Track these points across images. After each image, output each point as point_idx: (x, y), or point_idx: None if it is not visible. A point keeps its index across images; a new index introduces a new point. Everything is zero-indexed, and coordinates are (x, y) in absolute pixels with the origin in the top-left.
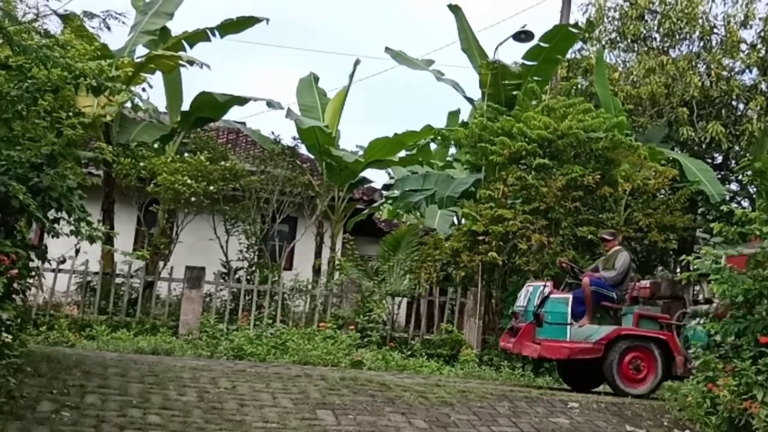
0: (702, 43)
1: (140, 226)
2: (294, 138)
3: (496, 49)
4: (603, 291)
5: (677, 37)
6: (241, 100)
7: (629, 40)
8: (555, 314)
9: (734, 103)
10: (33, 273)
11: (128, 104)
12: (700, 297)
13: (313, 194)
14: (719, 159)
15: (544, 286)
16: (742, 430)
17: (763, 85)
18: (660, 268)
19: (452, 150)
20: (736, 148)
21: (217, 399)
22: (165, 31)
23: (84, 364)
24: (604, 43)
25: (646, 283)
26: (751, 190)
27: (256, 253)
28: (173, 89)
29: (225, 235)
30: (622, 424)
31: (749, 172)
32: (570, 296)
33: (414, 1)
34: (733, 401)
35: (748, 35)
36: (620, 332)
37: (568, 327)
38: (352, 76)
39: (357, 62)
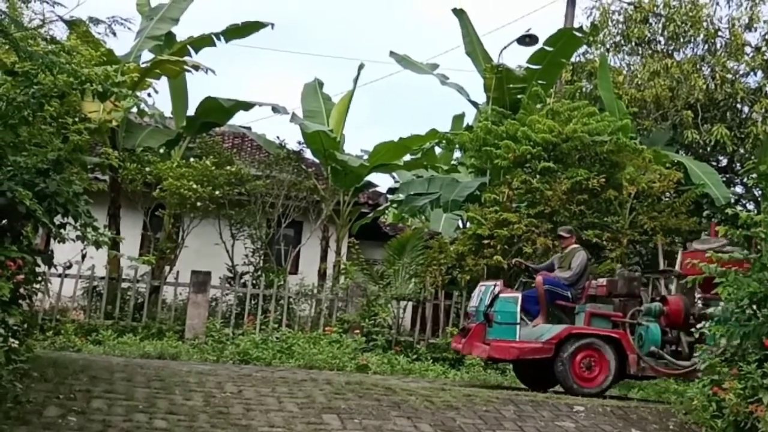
0: (706, 46)
1: (146, 231)
2: (299, 142)
3: (501, 52)
4: (557, 290)
5: (682, 40)
6: (247, 105)
7: (633, 44)
8: (504, 314)
9: (739, 105)
10: (39, 278)
11: (134, 109)
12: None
13: (318, 198)
14: (724, 162)
15: (495, 285)
16: None
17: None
18: (619, 266)
19: (457, 154)
20: (741, 150)
21: (223, 403)
22: (170, 36)
23: (90, 368)
24: (608, 46)
25: (603, 281)
26: (756, 193)
27: (262, 257)
28: (179, 94)
29: (231, 239)
30: (628, 427)
31: (754, 175)
32: (519, 295)
33: (419, 5)
34: (738, 404)
35: (753, 38)
36: (571, 331)
37: (518, 327)
38: (356, 80)
39: (361, 66)
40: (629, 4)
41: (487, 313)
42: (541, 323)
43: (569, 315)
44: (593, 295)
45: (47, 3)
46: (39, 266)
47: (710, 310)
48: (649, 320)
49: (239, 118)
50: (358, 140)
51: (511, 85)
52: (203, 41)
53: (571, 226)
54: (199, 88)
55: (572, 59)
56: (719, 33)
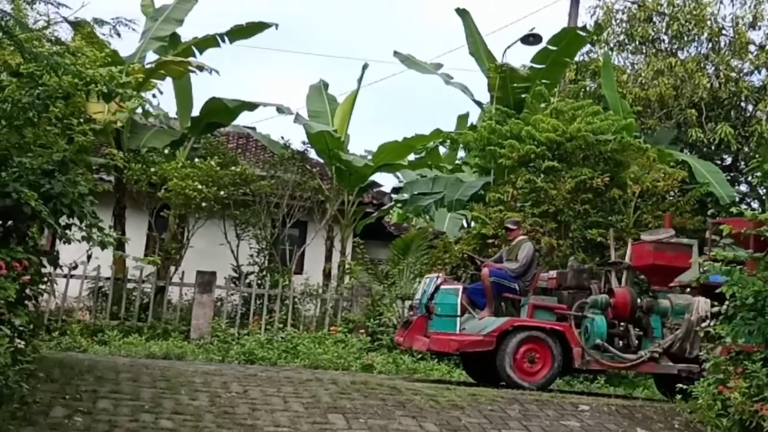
0: (710, 45)
1: (151, 232)
2: (303, 142)
3: (505, 52)
4: (504, 282)
5: (686, 38)
6: (251, 106)
7: (637, 42)
8: (445, 306)
9: (743, 104)
10: (45, 279)
11: (139, 110)
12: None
13: (322, 198)
14: (728, 160)
15: (437, 277)
16: None
17: None
18: (572, 257)
19: (461, 153)
20: (746, 149)
21: (228, 403)
22: (175, 37)
23: (96, 369)
24: (612, 45)
25: (553, 273)
26: (760, 191)
27: (267, 257)
28: (183, 95)
29: (236, 239)
30: (633, 426)
31: (759, 174)
32: (460, 287)
33: (422, 5)
34: (744, 403)
35: (757, 36)
36: (513, 324)
37: (458, 319)
38: (360, 80)
39: (365, 66)
40: (633, 3)
41: (428, 305)
42: (488, 316)
43: (517, 308)
44: (546, 287)
45: (52, 4)
46: (45, 267)
47: (660, 302)
48: (595, 312)
49: (244, 119)
50: (363, 140)
51: (515, 85)
52: (207, 42)
53: (519, 218)
54: (203, 89)
55: (576, 58)
56: (723, 31)
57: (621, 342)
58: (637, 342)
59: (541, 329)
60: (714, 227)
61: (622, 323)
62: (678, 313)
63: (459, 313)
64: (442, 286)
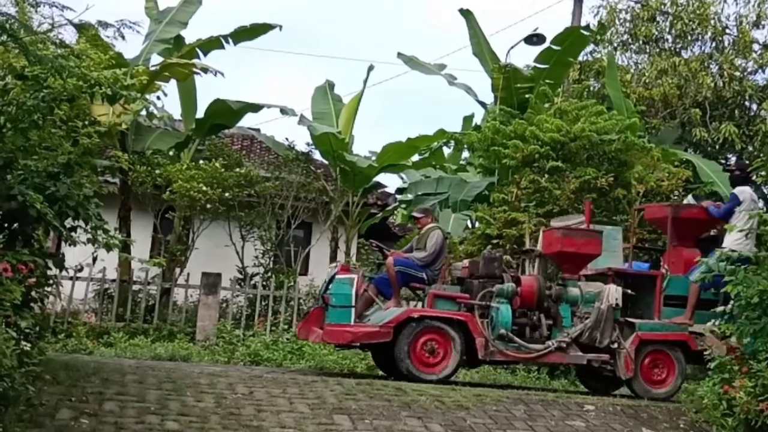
0: (714, 44)
1: (156, 234)
2: (308, 144)
3: (508, 52)
4: (411, 271)
5: (689, 38)
6: (255, 107)
7: (641, 42)
8: (339, 296)
9: (747, 103)
10: (51, 281)
11: (143, 112)
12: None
13: (327, 200)
14: (733, 159)
15: (335, 266)
16: None
17: None
18: (489, 246)
19: (465, 154)
20: (750, 148)
21: (234, 405)
22: (179, 39)
23: (102, 371)
24: (615, 45)
25: (466, 262)
26: (765, 190)
27: (272, 258)
28: (188, 97)
29: (240, 241)
30: (639, 426)
31: (763, 173)
32: (355, 277)
33: (426, 6)
34: (749, 403)
35: (761, 35)
36: (411, 314)
37: (352, 310)
38: (365, 81)
39: (371, 68)
40: (636, 2)
41: (323, 295)
42: (393, 306)
43: (424, 298)
44: (460, 277)
45: (56, 7)
46: (50, 269)
47: (569, 290)
48: (500, 302)
49: (248, 120)
50: (367, 141)
51: (518, 85)
52: (212, 44)
53: (428, 206)
54: (207, 91)
55: (580, 58)
56: (727, 31)
57: (533, 332)
58: (548, 332)
59: (441, 319)
60: (637, 214)
61: (535, 313)
62: (588, 301)
63: (354, 303)
64: (337, 276)
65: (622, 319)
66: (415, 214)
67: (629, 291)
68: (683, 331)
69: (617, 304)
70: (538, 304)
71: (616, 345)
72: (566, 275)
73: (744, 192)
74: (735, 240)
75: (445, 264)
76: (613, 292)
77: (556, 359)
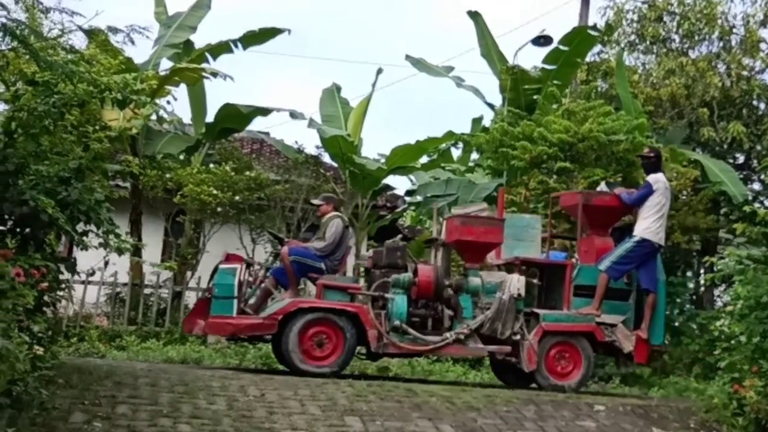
0: (721, 44)
1: (167, 237)
2: (317, 147)
3: (516, 53)
4: (308, 261)
5: (696, 38)
6: (265, 111)
7: (648, 42)
8: (221, 287)
9: (755, 102)
10: (63, 285)
11: (153, 117)
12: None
13: None
14: (741, 159)
15: (224, 257)
16: None
17: None
18: (397, 237)
19: (474, 155)
20: (758, 147)
21: (246, 407)
22: (188, 44)
23: (115, 374)
24: (623, 45)
25: (371, 252)
26: None
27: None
28: (197, 101)
29: (251, 244)
30: (649, 426)
31: None
32: (238, 267)
33: (433, 8)
34: (759, 402)
35: None
36: (298, 305)
37: (234, 301)
38: (374, 84)
39: (379, 71)
40: (643, 2)
41: (209, 287)
42: (288, 297)
43: None
44: (366, 267)
45: (66, 13)
46: (62, 274)
47: (470, 280)
48: (396, 292)
49: (257, 124)
50: (376, 143)
51: (526, 86)
52: (221, 48)
53: (330, 194)
54: (217, 95)
55: (587, 59)
56: (734, 30)
57: (434, 324)
58: (450, 323)
59: (330, 311)
60: (553, 200)
61: (436, 304)
62: (490, 291)
63: (236, 294)
64: (220, 266)
65: (528, 310)
66: (314, 201)
67: (534, 281)
68: (590, 321)
69: (519, 294)
70: (437, 294)
71: (519, 336)
72: (468, 264)
73: (658, 180)
74: (645, 228)
75: (347, 254)
76: (515, 282)
77: (454, 351)
